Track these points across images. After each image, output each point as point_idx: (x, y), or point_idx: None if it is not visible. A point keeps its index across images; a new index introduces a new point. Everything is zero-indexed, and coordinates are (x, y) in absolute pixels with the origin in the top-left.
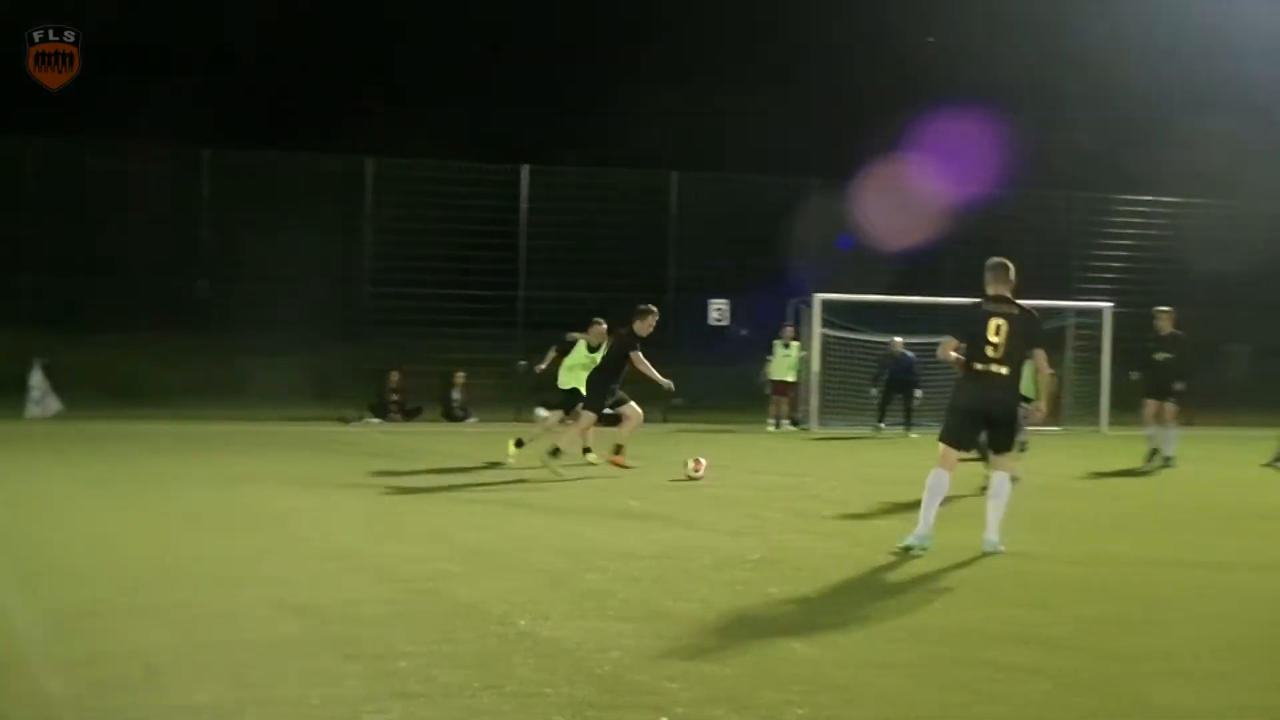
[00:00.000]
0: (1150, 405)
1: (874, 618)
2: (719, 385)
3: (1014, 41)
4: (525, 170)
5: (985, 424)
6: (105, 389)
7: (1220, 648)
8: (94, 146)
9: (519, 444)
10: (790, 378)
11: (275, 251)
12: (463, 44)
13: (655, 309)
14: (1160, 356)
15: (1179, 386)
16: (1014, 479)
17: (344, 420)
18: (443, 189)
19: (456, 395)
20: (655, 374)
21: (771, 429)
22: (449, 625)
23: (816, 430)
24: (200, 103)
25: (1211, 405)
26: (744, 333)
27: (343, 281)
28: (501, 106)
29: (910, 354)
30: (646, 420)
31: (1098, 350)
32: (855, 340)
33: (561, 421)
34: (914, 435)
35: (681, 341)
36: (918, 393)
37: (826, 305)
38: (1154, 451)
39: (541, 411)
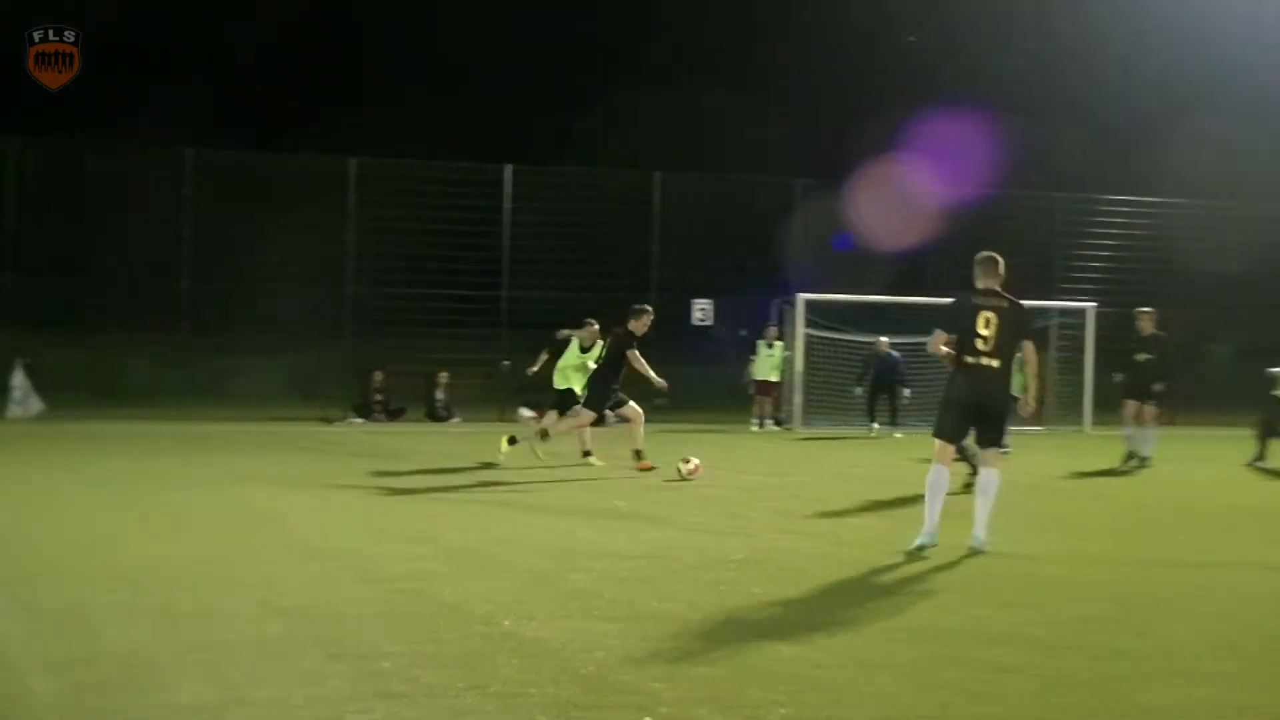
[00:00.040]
0: (1130, 406)
1: (859, 618)
2: (703, 385)
3: (997, 43)
4: (508, 170)
5: (976, 417)
6: (88, 389)
7: (1208, 647)
8: (78, 146)
9: (512, 441)
10: (774, 378)
11: (259, 251)
12: (446, 44)
13: (650, 308)
14: (1141, 357)
15: (1158, 387)
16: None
17: (327, 420)
18: (426, 189)
19: (440, 395)
20: (651, 373)
21: (755, 429)
22: (433, 625)
23: (800, 430)
24: (182, 103)
25: (1193, 405)
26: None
27: (326, 281)
28: (485, 106)
29: (895, 354)
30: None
31: (1081, 350)
32: (839, 340)
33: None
34: (899, 435)
35: (665, 342)
36: (906, 391)
37: (810, 305)
38: (1130, 454)
39: (525, 411)
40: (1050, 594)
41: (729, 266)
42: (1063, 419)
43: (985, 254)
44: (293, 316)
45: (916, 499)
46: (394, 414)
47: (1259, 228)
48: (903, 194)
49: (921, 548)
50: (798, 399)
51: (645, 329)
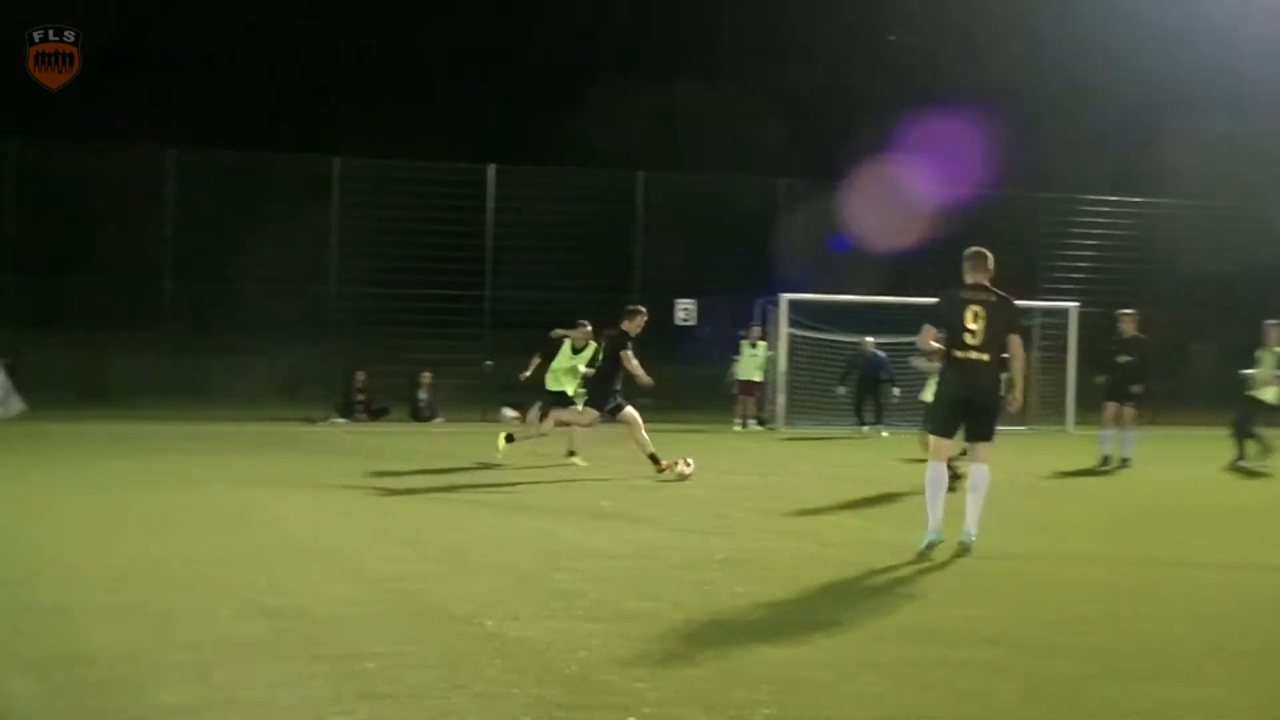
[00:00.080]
0: (1110, 408)
1: (843, 617)
2: (686, 385)
3: (980, 43)
4: (491, 170)
5: (967, 411)
6: (70, 389)
7: (1194, 646)
8: (60, 146)
9: (509, 439)
10: (757, 378)
11: (242, 251)
12: (430, 45)
13: (643, 309)
14: (1122, 359)
15: (1136, 389)
16: (959, 476)
17: (310, 421)
18: (410, 189)
19: (423, 395)
20: (639, 372)
21: (738, 429)
22: (416, 626)
23: (783, 430)
24: (165, 104)
25: (1175, 405)
26: (704, 334)
27: (309, 281)
28: (468, 106)
29: (881, 354)
30: (605, 421)
31: (1064, 350)
32: (822, 340)
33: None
34: (885, 434)
35: (648, 342)
36: (895, 390)
37: (794, 305)
38: (1106, 458)
39: (508, 411)
40: (1035, 594)
41: (712, 266)
42: (1045, 419)
43: (974, 249)
44: (275, 316)
45: (900, 498)
46: (377, 414)
47: (1241, 227)
48: (886, 194)
49: (930, 545)
50: (781, 399)
51: (639, 329)
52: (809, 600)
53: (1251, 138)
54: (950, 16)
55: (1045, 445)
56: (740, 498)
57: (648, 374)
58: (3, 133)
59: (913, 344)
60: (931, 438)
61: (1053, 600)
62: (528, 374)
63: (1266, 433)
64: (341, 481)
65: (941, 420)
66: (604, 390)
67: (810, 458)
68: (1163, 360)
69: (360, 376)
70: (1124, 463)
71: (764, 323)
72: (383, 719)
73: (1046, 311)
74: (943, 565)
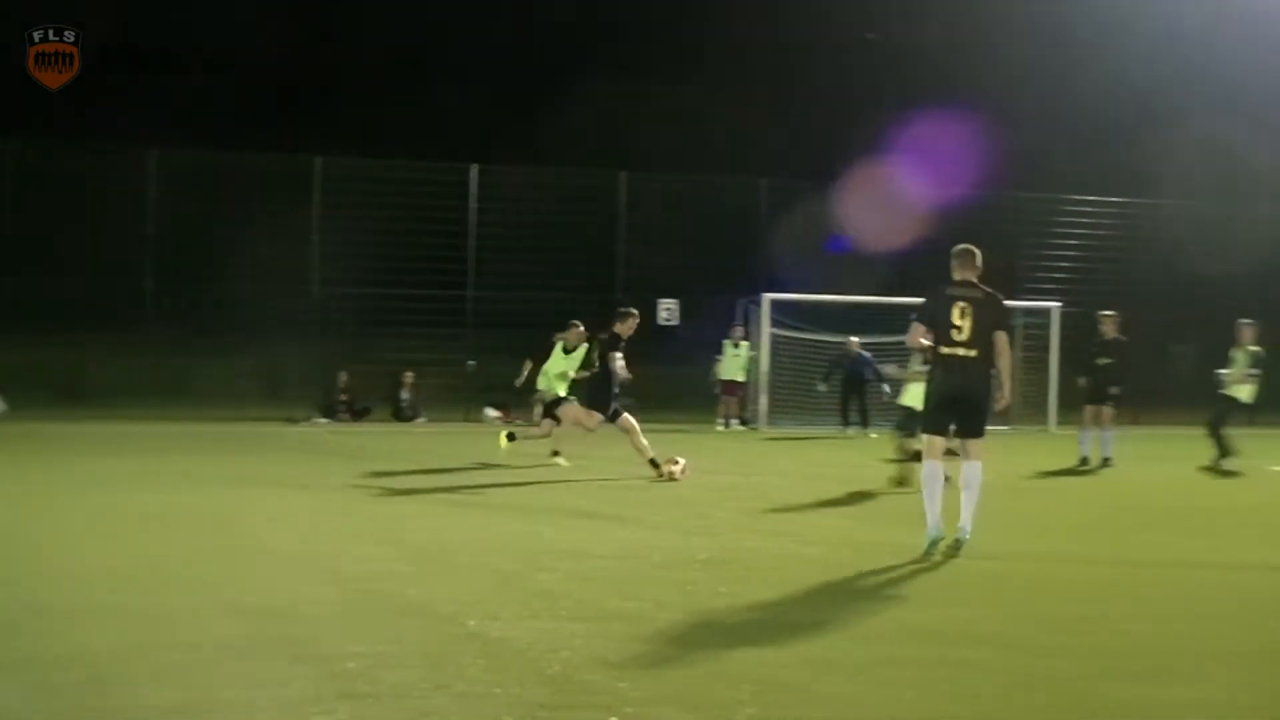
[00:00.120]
0: (1089, 410)
1: (825, 617)
2: (668, 385)
3: (962, 44)
4: (474, 170)
5: (956, 408)
6: (52, 389)
7: (1173, 645)
8: (38, 146)
9: (511, 438)
10: (740, 377)
11: (223, 251)
12: (413, 44)
13: (635, 311)
14: (1102, 361)
15: (1113, 391)
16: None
17: (292, 421)
18: (392, 189)
19: (405, 395)
20: (620, 369)
21: (721, 429)
22: (398, 626)
23: (766, 430)
24: (146, 103)
25: (1157, 405)
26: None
27: (291, 281)
28: (451, 106)
29: (866, 354)
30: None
31: (1046, 350)
32: (805, 340)
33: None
34: (874, 435)
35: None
36: (886, 388)
37: (778, 305)
38: (1084, 459)
39: (491, 411)
40: (1015, 593)
41: (695, 266)
42: (1028, 418)
43: (962, 246)
44: (257, 316)
45: (882, 498)
46: (359, 414)
47: (1223, 229)
48: (869, 195)
49: (933, 543)
50: (763, 399)
51: (631, 331)
52: (791, 600)
53: (1234, 139)
54: (932, 16)
55: (1027, 445)
56: (723, 498)
57: (630, 372)
58: None
59: (898, 344)
60: (924, 437)
61: (1032, 600)
62: (522, 379)
63: (1228, 433)
64: (323, 482)
65: (933, 417)
66: (604, 394)
67: (793, 458)
68: (1143, 361)
69: (343, 376)
70: (1105, 462)
71: (746, 323)
72: (364, 719)
73: (1029, 311)
74: (926, 565)
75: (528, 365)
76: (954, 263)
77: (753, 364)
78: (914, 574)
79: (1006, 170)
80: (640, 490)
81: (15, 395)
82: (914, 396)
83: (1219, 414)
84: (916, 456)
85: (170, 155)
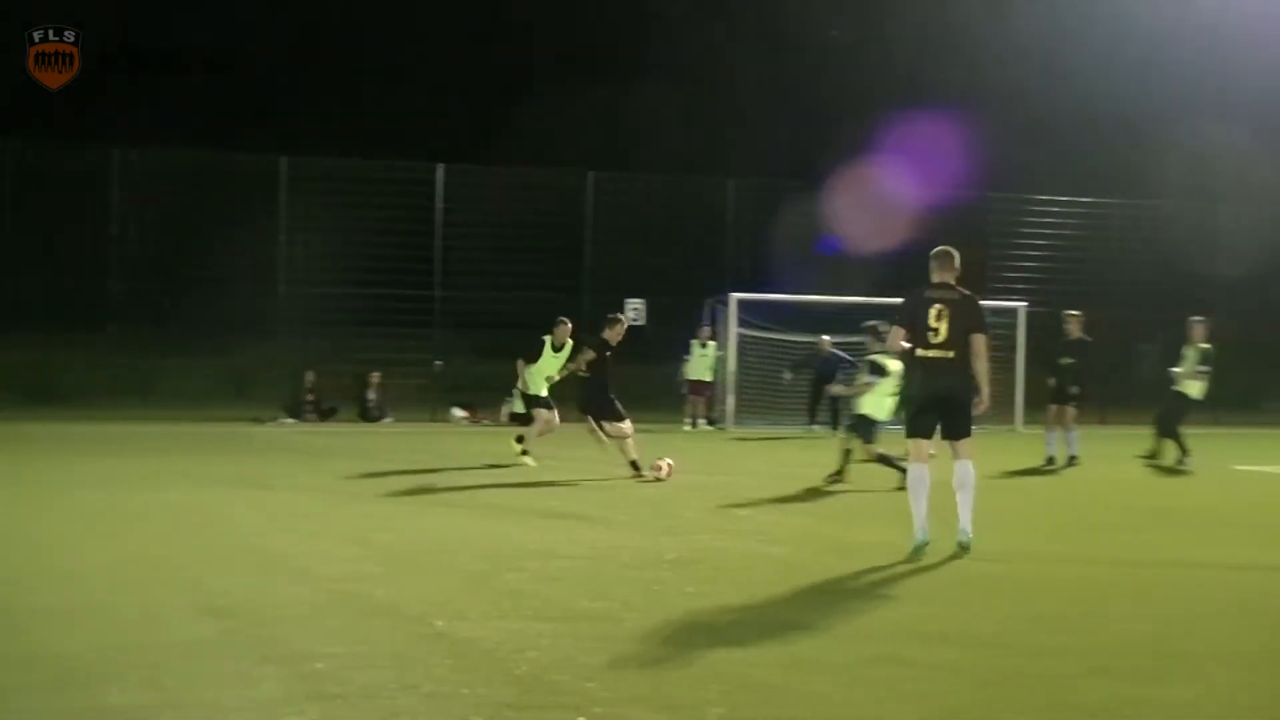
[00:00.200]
0: (1053, 409)
1: (794, 617)
2: (635, 385)
3: (929, 44)
4: (441, 169)
5: (939, 410)
6: (18, 390)
7: (1146, 645)
8: (8, 146)
9: (520, 440)
10: (707, 377)
11: (189, 251)
12: (378, 43)
13: (623, 318)
14: (1066, 361)
15: (1074, 390)
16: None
17: (258, 421)
18: (359, 188)
19: (372, 395)
20: (579, 366)
21: (688, 429)
22: (366, 626)
23: (733, 430)
24: (109, 102)
25: (1123, 404)
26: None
27: (257, 281)
28: (417, 106)
29: (840, 352)
30: (562, 421)
31: (1012, 349)
32: (773, 340)
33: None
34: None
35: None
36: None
37: (745, 305)
38: (1051, 458)
39: (457, 411)
40: (987, 592)
41: (662, 266)
42: (995, 418)
43: (940, 248)
44: (224, 316)
45: (850, 498)
46: (326, 414)
47: (1188, 227)
48: (840, 196)
49: (918, 548)
50: (730, 399)
51: (619, 337)
52: (759, 600)
53: (1202, 140)
54: (900, 17)
55: (994, 445)
56: (690, 498)
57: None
58: None
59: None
60: (909, 441)
61: (1005, 599)
62: (522, 383)
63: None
64: (290, 482)
65: (916, 421)
66: (603, 399)
67: (760, 457)
68: (1111, 361)
69: (309, 376)
70: (1071, 461)
71: (714, 323)
72: (333, 719)
73: (995, 311)
74: (894, 565)
75: (520, 364)
76: (932, 264)
77: (720, 364)
78: (883, 574)
79: (974, 170)
80: (607, 490)
81: None
82: (869, 404)
83: (1169, 411)
84: (881, 460)
85: (135, 155)
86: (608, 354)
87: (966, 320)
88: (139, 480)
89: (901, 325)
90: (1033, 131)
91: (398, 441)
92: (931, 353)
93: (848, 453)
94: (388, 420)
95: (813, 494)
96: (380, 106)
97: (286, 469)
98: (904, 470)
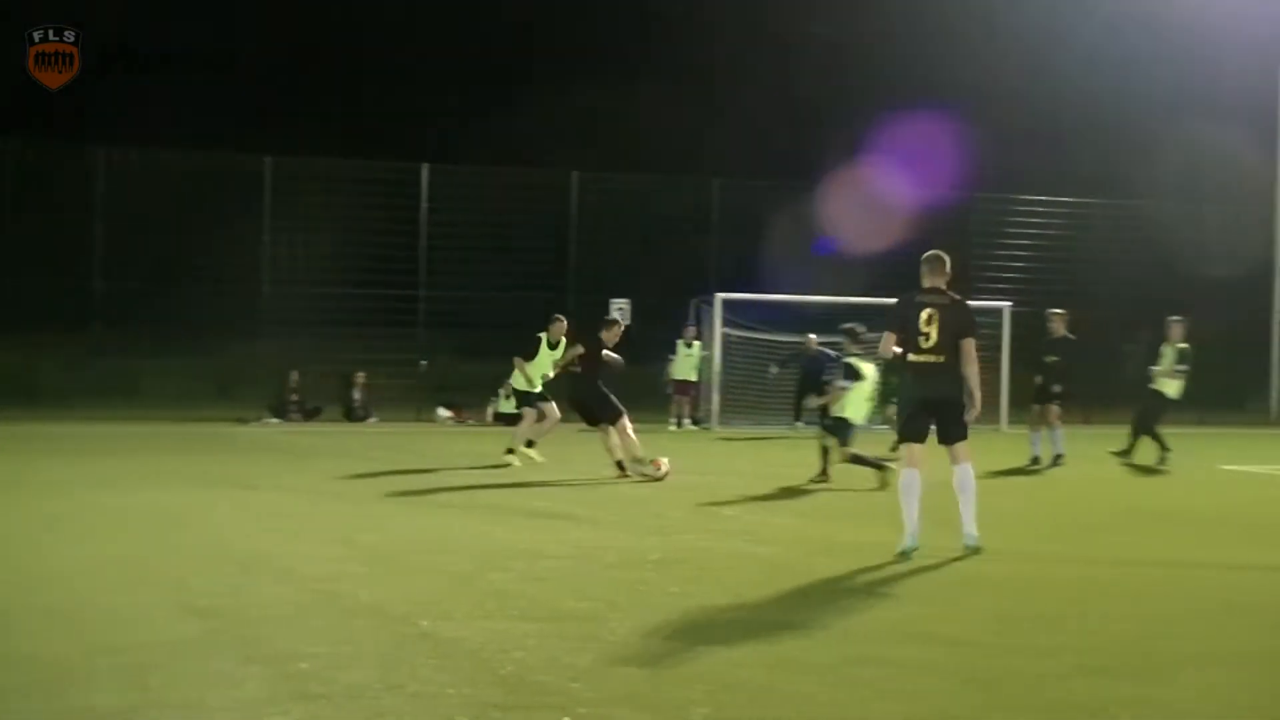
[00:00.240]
0: (1036, 408)
1: (778, 617)
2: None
3: (913, 42)
4: (425, 169)
5: (931, 414)
6: (1, 390)
7: (1131, 644)
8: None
9: (530, 444)
10: (692, 377)
11: (173, 251)
12: (363, 44)
13: (619, 320)
14: (1049, 360)
15: (1056, 389)
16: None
17: (243, 421)
18: (343, 188)
19: (357, 395)
20: (573, 365)
21: (673, 429)
22: (351, 626)
23: (718, 430)
24: (95, 101)
25: (1108, 403)
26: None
27: (242, 281)
28: (402, 106)
29: (829, 351)
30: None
31: (997, 349)
32: (758, 339)
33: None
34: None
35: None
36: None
37: (728, 304)
38: (1036, 458)
39: (443, 411)
40: (976, 592)
41: (647, 266)
42: (979, 419)
43: (931, 253)
44: (208, 316)
45: (835, 497)
46: (310, 414)
47: (1173, 227)
48: (825, 195)
49: (906, 552)
50: (716, 398)
51: (616, 340)
52: (745, 600)
53: (1186, 139)
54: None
55: (980, 445)
56: (675, 497)
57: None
58: None
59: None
60: (903, 445)
61: (990, 599)
62: (521, 381)
63: (1154, 430)
64: (274, 482)
65: (910, 425)
66: (604, 399)
67: (746, 457)
68: (1094, 360)
69: (294, 376)
70: (1057, 460)
71: (699, 322)
72: (317, 719)
73: (980, 311)
74: (879, 565)
75: (518, 361)
76: (923, 269)
77: (705, 364)
78: (869, 574)
79: (960, 171)
80: (592, 490)
81: None
82: (847, 407)
83: (1147, 410)
84: (855, 460)
85: (119, 154)
86: (601, 352)
87: (957, 325)
88: (123, 480)
89: (892, 330)
90: (1018, 132)
91: (382, 441)
92: (922, 358)
93: (826, 451)
94: (372, 420)
95: (798, 494)
96: (365, 107)
97: (271, 469)
98: (881, 468)
